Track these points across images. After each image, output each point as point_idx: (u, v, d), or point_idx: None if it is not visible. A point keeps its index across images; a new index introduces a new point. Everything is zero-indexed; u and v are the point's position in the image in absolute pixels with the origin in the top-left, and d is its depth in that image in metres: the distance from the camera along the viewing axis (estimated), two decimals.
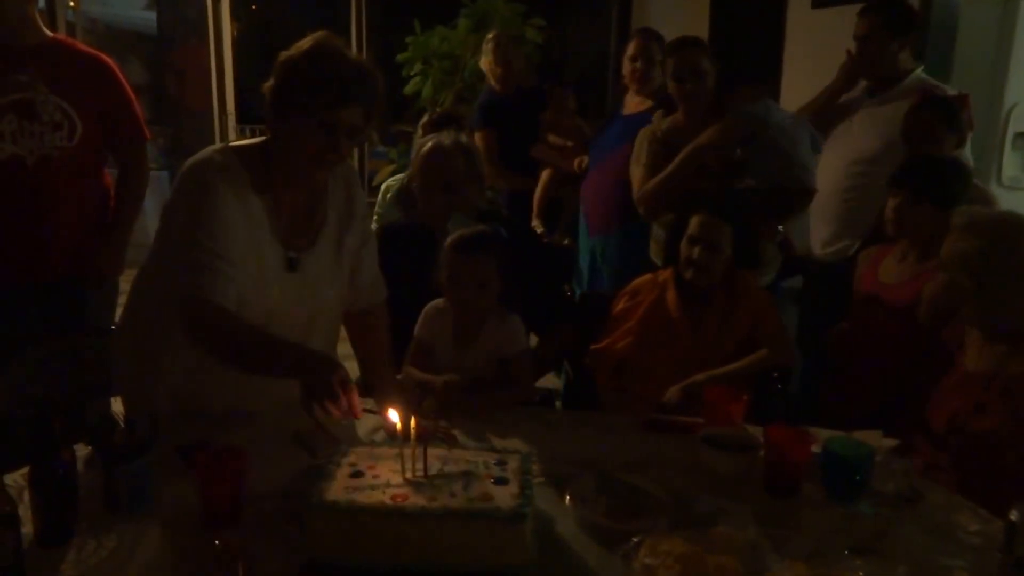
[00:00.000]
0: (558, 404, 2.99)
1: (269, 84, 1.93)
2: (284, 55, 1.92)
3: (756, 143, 3.05)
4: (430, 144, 2.69)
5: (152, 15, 9.21)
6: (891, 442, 1.91)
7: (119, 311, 2.71)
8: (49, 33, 2.95)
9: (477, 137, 4.33)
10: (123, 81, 3.04)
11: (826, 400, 2.77)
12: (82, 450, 1.76)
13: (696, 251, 2.51)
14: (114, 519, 1.59)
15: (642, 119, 3.41)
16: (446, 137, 2.71)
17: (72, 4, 7.32)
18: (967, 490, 1.76)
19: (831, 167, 3.38)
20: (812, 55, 4.63)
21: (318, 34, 1.93)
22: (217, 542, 1.46)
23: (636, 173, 3.23)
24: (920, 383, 2.25)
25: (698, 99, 3.14)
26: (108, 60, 3.03)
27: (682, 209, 2.77)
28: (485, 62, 4.47)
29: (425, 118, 4.24)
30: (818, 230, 3.48)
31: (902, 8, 3.33)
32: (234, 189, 1.91)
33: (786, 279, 3.37)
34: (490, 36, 4.51)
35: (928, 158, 2.73)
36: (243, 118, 7.09)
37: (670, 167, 3.07)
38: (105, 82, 2.97)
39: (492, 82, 4.45)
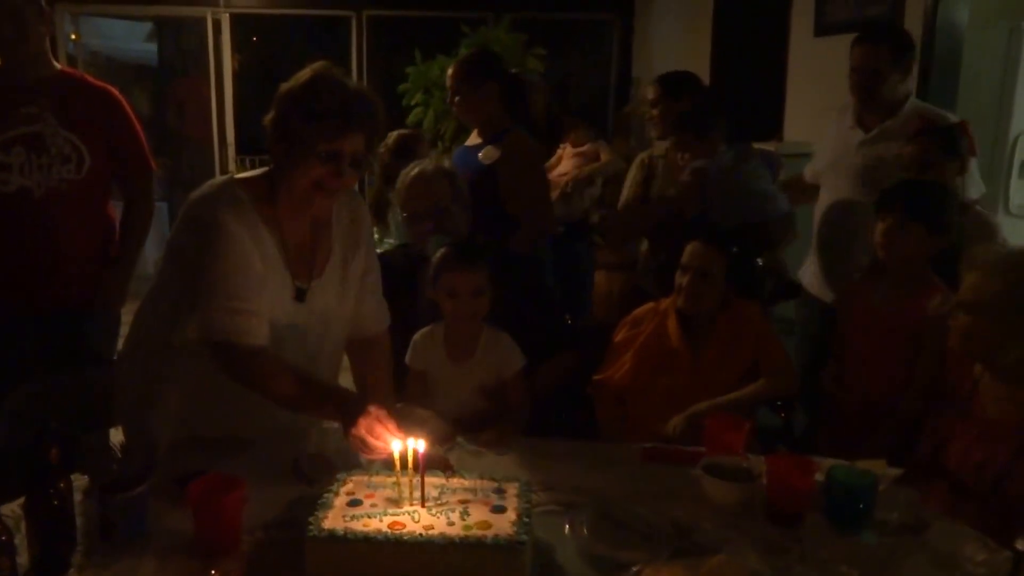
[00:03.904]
0: None
1: (270, 116, 1.94)
2: (284, 86, 1.93)
3: (711, 191, 3.08)
4: (414, 172, 2.73)
5: (153, 47, 9.27)
6: (895, 471, 1.89)
7: (120, 341, 2.71)
8: (57, 65, 2.97)
9: None
10: (131, 114, 3.05)
11: (826, 438, 2.72)
12: (81, 480, 1.75)
13: (686, 279, 2.51)
14: (110, 549, 1.58)
15: (474, 151, 3.42)
16: (428, 163, 2.75)
17: (73, 37, 7.38)
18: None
19: (826, 204, 3.33)
20: (815, 83, 4.67)
21: (317, 64, 1.94)
22: (213, 572, 1.45)
23: (625, 189, 3.44)
24: (922, 412, 2.23)
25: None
26: (116, 93, 3.04)
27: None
28: None
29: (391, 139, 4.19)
30: (814, 266, 3.43)
31: (902, 34, 3.27)
32: (244, 223, 1.91)
33: (777, 303, 3.35)
34: None
35: (915, 181, 2.72)
36: (243, 149, 7.11)
37: (641, 209, 3.23)
38: (113, 114, 2.99)
39: None
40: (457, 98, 3.42)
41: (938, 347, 2.31)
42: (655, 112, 3.50)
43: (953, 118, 3.20)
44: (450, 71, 3.47)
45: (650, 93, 3.61)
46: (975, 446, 2.00)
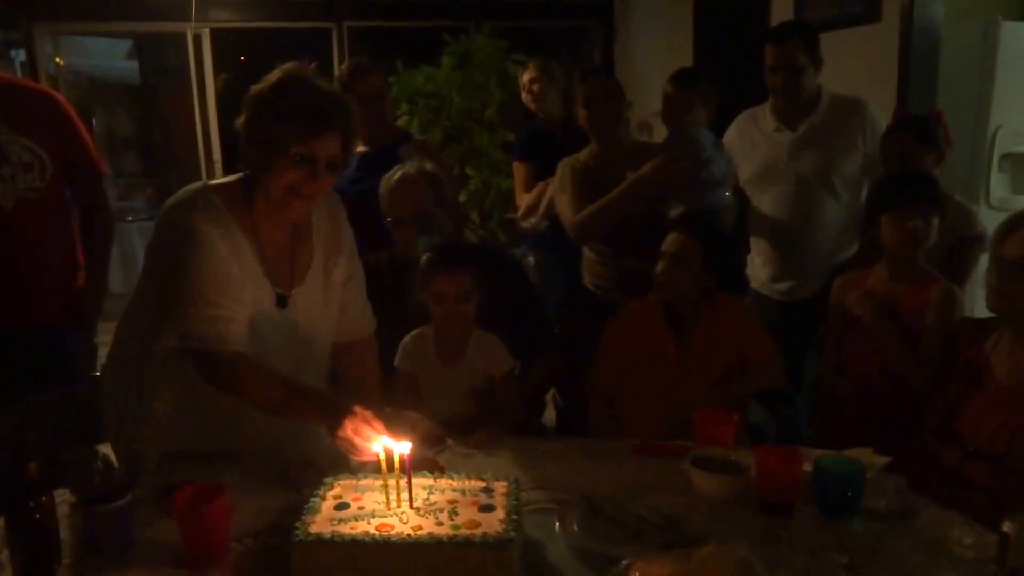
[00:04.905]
0: None
1: (241, 119, 1.91)
2: (254, 88, 1.91)
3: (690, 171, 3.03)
4: (397, 175, 2.70)
5: (135, 64, 9.21)
6: (883, 459, 1.89)
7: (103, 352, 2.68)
8: None
9: (515, 168, 4.37)
10: (73, 115, 2.95)
11: (823, 430, 2.73)
12: (67, 495, 1.73)
13: (661, 266, 2.52)
14: (96, 562, 1.56)
15: (377, 157, 3.29)
16: (411, 166, 2.72)
17: (59, 61, 7.35)
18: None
19: (769, 207, 3.32)
20: None
21: (287, 65, 1.92)
22: None
23: (563, 201, 3.22)
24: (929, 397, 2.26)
25: (611, 124, 3.19)
26: (55, 93, 2.96)
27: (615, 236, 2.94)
28: (524, 95, 4.49)
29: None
30: (763, 269, 3.41)
31: (809, 28, 3.27)
32: (220, 230, 1.89)
33: None
34: (526, 70, 4.49)
35: (919, 174, 2.73)
36: (231, 166, 7.08)
37: (610, 196, 3.03)
38: (58, 117, 2.88)
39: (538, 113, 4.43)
40: (376, 105, 3.36)
41: (945, 325, 2.37)
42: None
43: (868, 106, 3.24)
44: (345, 76, 3.41)
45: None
46: (988, 413, 2.04)
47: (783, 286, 3.31)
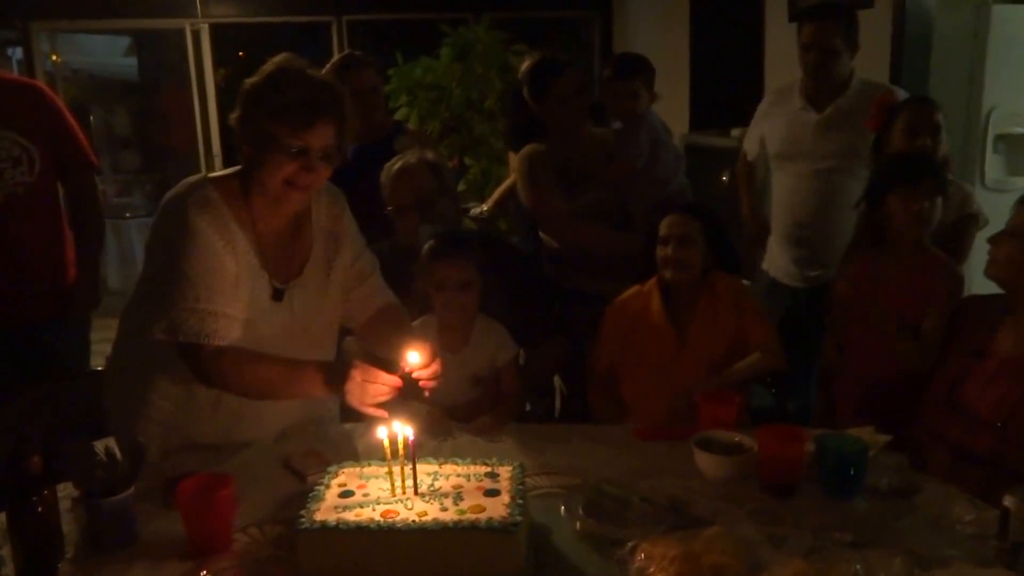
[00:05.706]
0: None
1: (235, 114, 1.90)
2: (247, 82, 1.89)
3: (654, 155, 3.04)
4: (398, 164, 2.69)
5: (133, 61, 9.19)
6: (884, 437, 1.89)
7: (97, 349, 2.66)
8: None
9: (510, 159, 4.38)
10: (61, 105, 2.92)
11: (825, 411, 2.72)
12: (70, 489, 1.74)
13: (669, 249, 2.51)
14: (99, 556, 1.57)
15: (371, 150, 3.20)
16: (412, 155, 2.71)
17: (55, 58, 7.34)
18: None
19: (789, 188, 3.29)
20: (792, 67, 4.65)
21: (279, 57, 1.91)
22: (204, 573, 1.44)
23: (531, 194, 3.13)
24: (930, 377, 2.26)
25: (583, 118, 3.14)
26: (42, 86, 2.91)
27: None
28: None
29: None
30: (783, 253, 3.37)
31: (849, 11, 3.24)
32: (216, 225, 1.88)
33: None
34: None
35: (922, 156, 2.70)
36: (231, 162, 7.05)
37: (600, 236, 3.03)
38: (45, 108, 2.85)
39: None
40: (369, 98, 3.30)
41: (951, 301, 2.37)
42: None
43: (901, 92, 3.19)
44: (338, 69, 3.30)
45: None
46: (992, 384, 2.05)
47: (799, 271, 3.29)
